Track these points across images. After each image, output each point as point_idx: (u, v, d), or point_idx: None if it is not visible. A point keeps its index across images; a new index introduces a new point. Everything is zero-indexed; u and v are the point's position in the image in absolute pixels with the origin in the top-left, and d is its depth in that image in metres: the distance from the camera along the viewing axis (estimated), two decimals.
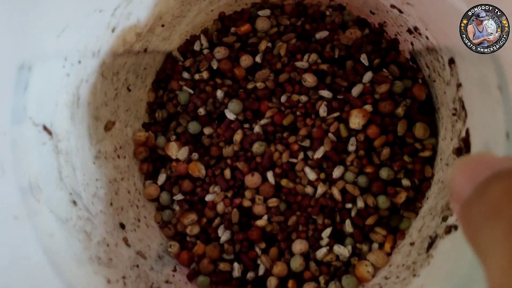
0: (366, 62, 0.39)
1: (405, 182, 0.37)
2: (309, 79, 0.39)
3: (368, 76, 0.39)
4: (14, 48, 0.26)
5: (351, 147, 0.38)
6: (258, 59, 0.41)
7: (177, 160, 0.40)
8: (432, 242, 0.31)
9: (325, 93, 0.39)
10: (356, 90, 0.39)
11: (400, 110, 0.38)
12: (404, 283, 0.31)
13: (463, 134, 0.30)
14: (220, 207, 0.39)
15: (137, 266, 0.34)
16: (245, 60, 0.41)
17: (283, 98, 0.40)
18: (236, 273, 0.38)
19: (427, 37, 0.34)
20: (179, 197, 0.40)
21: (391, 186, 0.37)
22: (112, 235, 0.34)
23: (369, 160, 0.38)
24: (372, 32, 0.41)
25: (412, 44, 0.38)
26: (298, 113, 0.39)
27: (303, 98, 0.39)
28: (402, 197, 0.36)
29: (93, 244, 0.31)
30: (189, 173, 0.40)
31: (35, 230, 0.27)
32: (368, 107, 0.38)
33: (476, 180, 0.17)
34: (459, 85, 0.31)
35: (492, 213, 0.15)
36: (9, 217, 0.26)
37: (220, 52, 0.41)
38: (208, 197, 0.39)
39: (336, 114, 0.38)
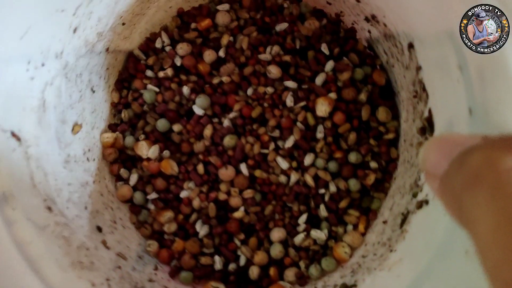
0: (326, 52, 0.41)
1: (373, 164, 0.39)
2: (274, 71, 0.40)
3: (330, 65, 0.40)
4: None
5: (320, 134, 0.39)
6: (221, 53, 0.41)
7: (148, 159, 0.40)
8: (405, 218, 0.32)
9: (290, 84, 0.40)
10: (319, 79, 0.40)
11: (362, 96, 0.40)
12: (382, 259, 0.32)
13: (426, 114, 0.32)
14: (196, 203, 0.39)
15: (119, 267, 0.34)
16: (209, 55, 0.41)
17: (249, 91, 0.40)
18: (218, 265, 0.38)
19: (384, 24, 0.36)
20: (153, 196, 0.40)
21: (360, 169, 0.39)
22: (90, 238, 0.33)
23: (337, 145, 0.39)
24: (329, 22, 0.42)
25: (369, 32, 0.40)
26: (265, 104, 0.40)
27: (269, 89, 0.40)
28: (371, 178, 0.38)
29: (73, 249, 0.31)
30: (161, 171, 0.40)
31: (14, 238, 0.26)
32: (333, 95, 0.39)
33: (450, 156, 0.18)
34: (418, 68, 0.32)
35: (473, 181, 0.16)
36: None
37: (183, 48, 0.41)
38: (183, 194, 0.39)
39: (302, 104, 0.39)
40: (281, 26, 0.42)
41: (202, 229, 0.39)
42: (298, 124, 0.39)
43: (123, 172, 0.40)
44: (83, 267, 0.30)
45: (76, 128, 0.36)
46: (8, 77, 0.27)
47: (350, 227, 0.38)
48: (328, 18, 0.43)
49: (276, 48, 0.41)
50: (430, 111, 0.32)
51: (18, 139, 0.29)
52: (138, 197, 0.40)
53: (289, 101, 0.39)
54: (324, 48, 0.41)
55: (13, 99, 0.28)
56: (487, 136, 0.18)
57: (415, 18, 0.29)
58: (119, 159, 0.41)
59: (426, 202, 0.30)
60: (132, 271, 0.35)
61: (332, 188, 0.38)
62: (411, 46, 0.32)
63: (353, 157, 0.39)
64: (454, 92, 0.27)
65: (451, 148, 0.18)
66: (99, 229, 0.35)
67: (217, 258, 0.38)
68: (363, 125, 0.40)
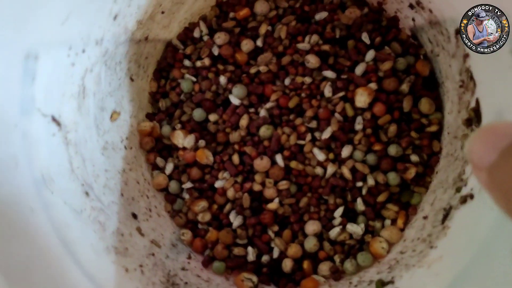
0: (367, 41, 0.39)
1: (414, 157, 0.37)
2: (312, 60, 0.39)
3: (370, 54, 0.39)
4: (19, 37, 0.25)
5: (358, 126, 0.38)
6: (259, 43, 0.41)
7: (184, 148, 0.40)
8: (447, 213, 0.31)
9: (329, 74, 0.39)
10: (359, 69, 0.39)
11: (404, 87, 0.38)
12: (421, 255, 0.31)
13: (473, 104, 0.30)
14: (230, 193, 0.39)
15: (153, 254, 0.34)
16: (246, 45, 0.41)
17: (287, 81, 0.40)
18: (251, 257, 0.38)
19: (430, 10, 0.34)
20: (188, 185, 0.40)
21: (400, 162, 0.37)
22: (125, 225, 0.34)
23: (376, 138, 0.38)
24: (371, 11, 0.41)
25: (413, 19, 0.38)
26: (303, 94, 0.39)
27: (307, 79, 0.39)
28: (411, 172, 0.37)
29: (108, 234, 0.31)
30: (196, 160, 0.40)
31: (52, 221, 0.27)
32: (373, 85, 0.38)
33: (499, 147, 0.17)
34: (466, 56, 0.31)
35: None
36: (26, 209, 0.25)
37: (221, 37, 0.41)
38: (218, 184, 0.39)
39: (341, 94, 0.38)
40: (321, 15, 0.41)
41: (236, 220, 0.39)
42: (336, 115, 0.38)
43: (159, 161, 0.41)
44: (117, 252, 0.31)
45: (114, 115, 0.37)
46: (50, 62, 0.28)
47: (388, 222, 0.37)
48: (369, 6, 0.41)
49: (315, 37, 0.40)
50: (477, 101, 0.30)
51: (58, 124, 0.30)
52: (173, 186, 0.40)
53: (327, 91, 0.38)
54: (365, 37, 0.39)
55: (54, 84, 0.29)
56: None
57: (463, 1, 0.28)
58: (155, 148, 0.41)
59: (471, 196, 0.29)
60: (165, 259, 0.35)
61: (370, 181, 0.37)
62: (458, 32, 0.31)
63: (393, 150, 0.37)
64: (505, 79, 0.25)
65: (500, 138, 0.17)
66: (134, 216, 0.36)
67: (250, 249, 0.38)
68: (404, 116, 0.38)
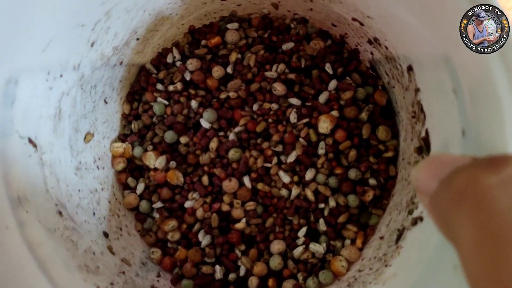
0: (330, 71, 0.42)
1: (372, 181, 0.40)
2: (279, 88, 0.41)
3: (333, 84, 0.42)
4: (1, 63, 0.27)
5: (321, 151, 0.40)
6: (229, 70, 0.43)
7: (155, 169, 0.41)
8: (400, 234, 0.33)
9: (294, 101, 0.41)
10: (323, 97, 0.41)
11: (364, 115, 0.41)
12: (377, 274, 0.33)
13: (423, 134, 0.33)
14: (199, 213, 0.40)
15: (123, 272, 0.35)
16: (217, 71, 0.43)
17: (255, 107, 0.42)
18: (219, 275, 0.39)
19: (386, 47, 0.37)
20: (158, 205, 0.41)
21: (359, 185, 0.40)
22: (97, 243, 0.34)
23: (338, 162, 0.40)
24: (334, 43, 0.44)
25: (372, 53, 0.41)
26: (270, 120, 0.41)
27: (274, 106, 0.41)
28: (370, 195, 0.39)
29: (80, 252, 0.32)
30: (167, 181, 0.41)
31: (26, 239, 0.28)
32: (335, 113, 0.41)
33: (440, 176, 0.19)
34: (417, 90, 0.34)
35: (458, 199, 0.17)
36: (2, 227, 0.26)
37: (193, 64, 0.43)
38: (188, 204, 0.41)
39: (305, 120, 0.41)
40: (288, 45, 0.43)
41: (204, 239, 0.40)
42: (301, 140, 0.40)
43: (130, 181, 0.42)
44: (89, 270, 0.32)
45: (88, 137, 0.38)
46: (29, 86, 0.29)
47: (348, 242, 0.39)
48: (333, 39, 0.44)
49: (282, 66, 0.42)
50: (427, 131, 0.33)
51: (34, 145, 0.31)
52: (144, 205, 0.41)
53: (293, 117, 0.41)
54: (328, 67, 0.42)
55: (32, 107, 0.30)
56: (476, 157, 0.19)
57: (414, 42, 0.31)
58: (127, 168, 0.42)
59: (421, 219, 0.31)
60: (135, 277, 0.36)
61: (332, 203, 0.40)
62: (410, 68, 0.34)
63: (353, 174, 0.40)
64: (449, 114, 0.28)
65: (441, 168, 0.19)
66: (106, 235, 0.37)
67: (218, 267, 0.39)
68: (363, 143, 0.41)
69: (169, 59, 0.44)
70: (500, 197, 0.16)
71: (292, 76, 0.42)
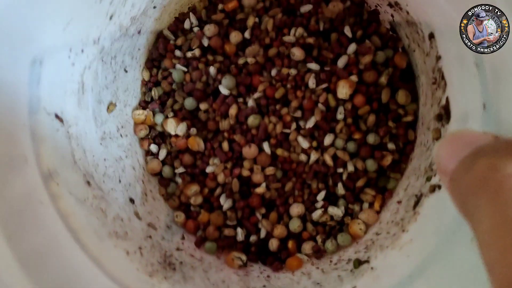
0: (349, 34, 0.42)
1: (391, 145, 0.40)
2: (297, 53, 0.41)
3: (352, 47, 0.41)
4: (26, 44, 0.27)
5: (340, 116, 0.41)
6: (247, 35, 0.43)
7: (176, 135, 0.42)
8: (418, 200, 0.34)
9: (313, 66, 0.41)
10: (341, 62, 0.41)
11: (383, 79, 0.41)
12: (394, 238, 0.34)
13: (443, 101, 0.33)
14: (220, 178, 0.42)
15: (150, 237, 0.37)
16: (235, 37, 0.42)
17: (273, 72, 0.42)
18: (240, 237, 0.41)
19: (407, 12, 0.36)
20: (180, 170, 0.43)
21: (378, 150, 0.40)
22: (124, 210, 0.36)
23: (356, 127, 0.41)
24: (353, 4, 0.43)
25: (392, 16, 0.40)
26: (288, 86, 0.41)
27: (293, 71, 0.41)
28: (388, 159, 0.40)
29: (109, 220, 0.34)
30: (188, 147, 0.42)
31: (58, 212, 0.30)
32: (354, 78, 0.40)
33: (460, 155, 0.19)
34: (438, 57, 0.33)
35: (477, 186, 0.17)
36: (36, 202, 0.28)
37: (210, 29, 0.43)
38: (209, 169, 0.42)
39: (324, 86, 0.41)
40: (306, 8, 0.42)
41: (226, 203, 0.41)
42: (319, 105, 0.41)
43: (152, 147, 0.43)
44: (118, 236, 0.33)
45: (111, 107, 0.39)
46: (53, 65, 0.30)
47: (366, 205, 0.40)
48: (352, 0, 0.43)
49: (300, 30, 0.42)
50: (447, 99, 0.33)
51: (61, 120, 0.32)
52: (166, 171, 0.43)
53: (311, 83, 0.41)
54: (347, 30, 0.41)
55: (56, 84, 0.31)
56: (497, 137, 0.19)
57: (436, 12, 0.30)
58: (149, 135, 0.43)
59: (439, 187, 0.32)
60: (161, 240, 0.38)
61: (350, 167, 0.40)
62: (432, 36, 0.33)
63: (371, 139, 0.40)
64: (471, 86, 0.28)
65: (461, 147, 0.19)
66: (132, 201, 0.38)
67: (239, 230, 0.41)
68: (382, 107, 0.41)
69: (187, 25, 0.44)
70: None
71: (310, 40, 0.41)
